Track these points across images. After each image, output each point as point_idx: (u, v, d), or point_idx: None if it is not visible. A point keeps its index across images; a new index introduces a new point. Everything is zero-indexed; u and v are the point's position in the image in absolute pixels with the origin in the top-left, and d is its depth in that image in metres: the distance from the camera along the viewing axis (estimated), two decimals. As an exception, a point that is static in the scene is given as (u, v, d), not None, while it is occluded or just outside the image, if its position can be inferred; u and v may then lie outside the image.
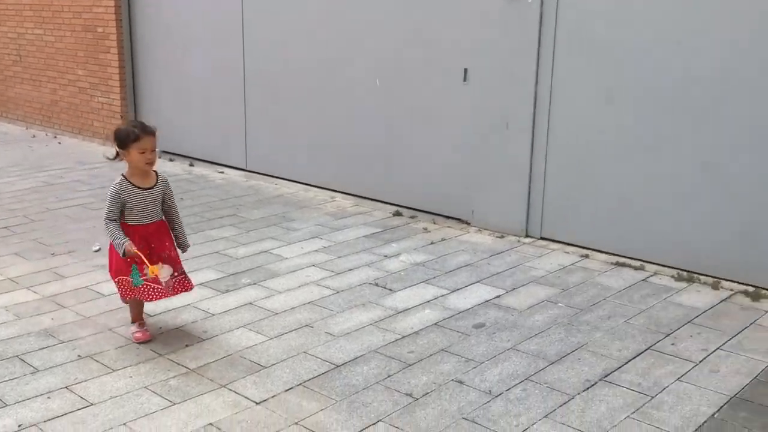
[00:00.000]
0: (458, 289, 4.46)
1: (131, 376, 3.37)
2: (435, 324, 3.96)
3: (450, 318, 4.04)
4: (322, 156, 6.79)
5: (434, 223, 5.83)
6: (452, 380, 3.35)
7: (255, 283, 4.53)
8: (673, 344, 3.73)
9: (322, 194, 6.64)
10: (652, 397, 3.21)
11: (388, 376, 3.39)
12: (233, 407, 3.12)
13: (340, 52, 6.48)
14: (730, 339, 3.79)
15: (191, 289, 3.77)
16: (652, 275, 4.71)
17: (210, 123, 7.78)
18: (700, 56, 4.51)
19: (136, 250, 3.46)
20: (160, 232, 3.67)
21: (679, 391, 3.26)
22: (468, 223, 5.77)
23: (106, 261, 4.83)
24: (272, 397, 3.20)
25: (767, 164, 4.33)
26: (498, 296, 4.36)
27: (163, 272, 3.59)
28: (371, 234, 5.55)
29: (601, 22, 4.90)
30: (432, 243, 5.34)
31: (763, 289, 4.40)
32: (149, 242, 3.59)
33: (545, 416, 3.06)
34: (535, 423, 3.00)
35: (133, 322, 3.76)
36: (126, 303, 3.76)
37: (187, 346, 3.65)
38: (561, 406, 3.14)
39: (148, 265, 3.48)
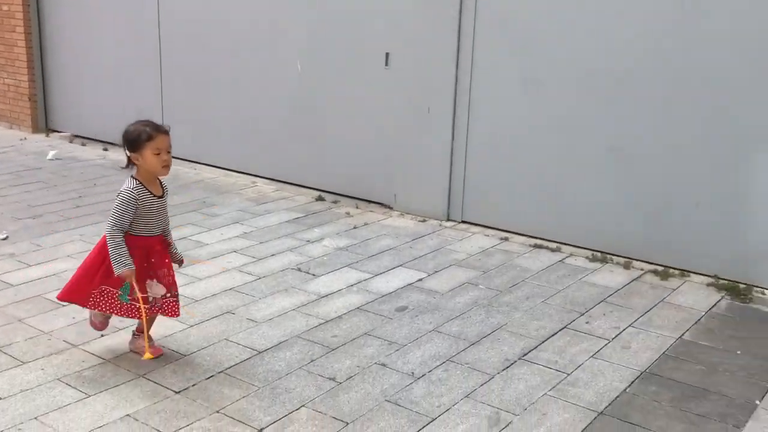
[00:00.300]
0: (381, 273, 4.47)
1: (43, 369, 3.23)
2: (358, 308, 3.97)
3: (373, 302, 4.05)
4: (244, 141, 6.68)
5: (357, 207, 5.83)
6: (375, 363, 3.37)
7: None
8: (587, 322, 3.86)
9: (244, 179, 6.53)
10: (568, 374, 3.31)
11: (311, 361, 3.37)
12: (152, 397, 3.04)
13: (261, 36, 6.37)
14: (640, 316, 3.95)
15: (177, 315, 3.28)
16: (568, 256, 4.86)
17: (124, 106, 7.51)
18: (611, 45, 4.65)
19: (135, 282, 3.09)
20: (162, 247, 3.24)
21: (594, 367, 3.38)
22: (390, 208, 5.79)
23: (12, 249, 4.65)
24: (193, 385, 3.14)
25: (670, 148, 4.52)
26: (420, 279, 4.40)
27: (154, 290, 3.19)
28: (293, 219, 5.50)
29: (520, 9, 4.99)
30: (355, 227, 5.34)
31: (671, 268, 4.60)
32: (149, 257, 3.17)
33: (466, 396, 3.11)
34: (456, 403, 3.05)
35: (138, 334, 3.36)
36: (92, 308, 3.25)
37: (102, 336, 3.53)
38: (481, 385, 3.20)
39: (139, 295, 3.11)
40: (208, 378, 3.20)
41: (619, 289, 4.32)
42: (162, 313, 3.28)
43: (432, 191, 5.57)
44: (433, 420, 2.93)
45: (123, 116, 7.66)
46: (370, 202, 5.92)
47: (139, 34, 7.24)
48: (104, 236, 3.13)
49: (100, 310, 3.25)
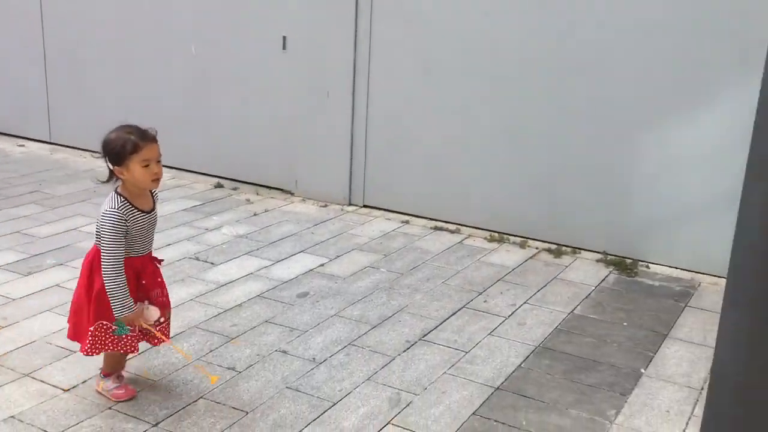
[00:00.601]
0: (282, 260, 4.43)
1: None
2: (259, 295, 3.91)
3: (274, 289, 4.00)
4: (137, 127, 6.42)
5: (257, 194, 5.74)
6: (276, 351, 3.33)
7: (62, 264, 4.21)
8: (485, 301, 3.95)
9: (138, 167, 6.29)
10: (467, 352, 3.38)
11: (210, 351, 3.30)
12: (38, 397, 2.89)
13: (153, 18, 6.13)
14: (535, 293, 4.08)
15: (168, 342, 2.96)
16: (467, 238, 4.96)
17: (4, 91, 7.08)
18: (505, 29, 4.75)
19: (147, 325, 2.75)
20: (154, 265, 2.87)
21: (491, 344, 3.47)
22: (292, 194, 5.73)
23: None
24: (82, 383, 3.01)
25: (561, 130, 4.68)
26: (322, 265, 4.38)
27: (150, 314, 2.78)
28: (191, 207, 5.35)
29: (415, -8, 5.02)
30: (255, 214, 5.26)
31: (564, 246, 4.78)
32: (140, 278, 2.78)
33: (368, 379, 3.13)
34: (357, 386, 3.06)
35: (106, 375, 2.90)
36: (91, 355, 2.81)
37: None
38: (383, 367, 3.23)
39: (146, 325, 2.77)
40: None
41: (515, 268, 4.44)
42: (150, 341, 2.94)
43: (333, 176, 5.54)
44: (335, 404, 2.93)
45: (3, 103, 7.22)
46: (270, 188, 5.84)
47: (21, 14, 6.82)
48: (88, 257, 2.77)
49: (97, 353, 2.77)
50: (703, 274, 4.34)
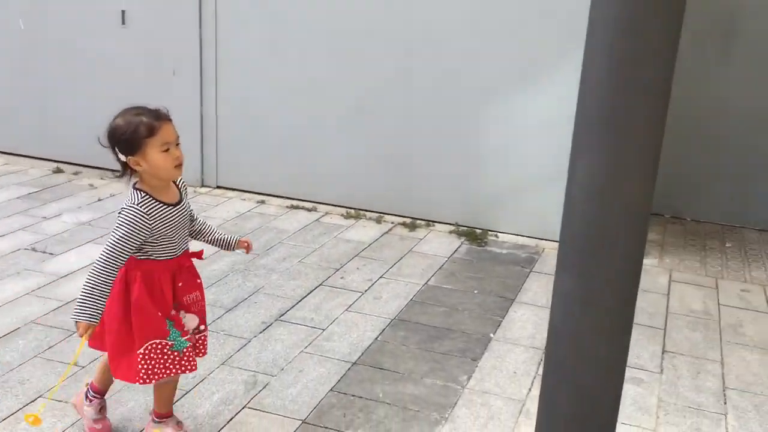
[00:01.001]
0: (130, 246, 4.22)
1: None
2: (104, 285, 3.71)
3: (121, 277, 3.81)
4: (-39, 109, 5.87)
5: (102, 179, 5.42)
6: (124, 342, 3.18)
7: None
8: (342, 278, 3.97)
9: (-35, 153, 5.78)
10: (324, 330, 3.39)
11: (49, 348, 3.09)
12: None
13: (-28, -12, 5.59)
14: (390, 267, 4.14)
15: (204, 354, 2.53)
16: (323, 215, 4.95)
17: None
18: (353, 5, 4.74)
19: (84, 339, 2.18)
20: (191, 264, 2.44)
21: (348, 320, 3.49)
22: (140, 177, 5.47)
23: None
24: None
25: (411, 106, 4.76)
26: (173, 249, 4.22)
27: (189, 323, 2.39)
28: (27, 194, 4.97)
29: (261, -34, 4.90)
30: (99, 200, 4.97)
31: (418, 219, 4.88)
32: (176, 280, 2.35)
33: (222, 363, 3.05)
34: (211, 372, 2.99)
35: (160, 419, 2.47)
36: (149, 383, 2.31)
37: None
38: (238, 351, 3.16)
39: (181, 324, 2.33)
40: None
41: (371, 243, 4.49)
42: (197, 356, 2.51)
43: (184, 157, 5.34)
44: (188, 392, 2.84)
45: None
46: (116, 172, 5.53)
47: None
48: (119, 278, 2.25)
49: (157, 378, 2.30)
50: (546, 240, 4.59)
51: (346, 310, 3.60)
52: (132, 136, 2.18)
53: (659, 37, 1.83)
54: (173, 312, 2.33)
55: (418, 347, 3.28)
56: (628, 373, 3.08)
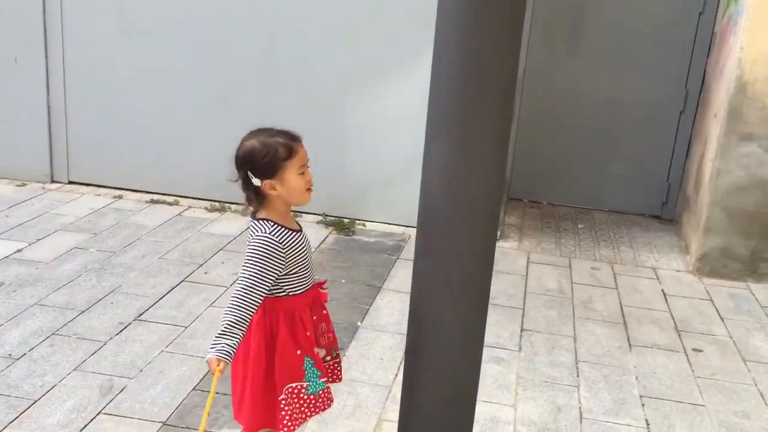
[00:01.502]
0: (-31, 249, 3.89)
1: None
2: (-61, 292, 3.40)
3: (-41, 282, 3.51)
4: None
5: (-64, 175, 4.97)
6: (-38, 352, 2.93)
7: None
8: (206, 273, 3.85)
9: None
10: (186, 327, 3.27)
11: None
12: None
13: None
14: (257, 260, 4.06)
15: (340, 380, 2.35)
16: (186, 209, 4.78)
17: None
18: (211, -9, 4.61)
19: (218, 373, 1.97)
20: (320, 296, 2.23)
21: (212, 316, 3.39)
22: (-19, 173, 5.06)
23: None
24: None
25: (272, 96, 4.68)
26: (19, 250, 3.93)
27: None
28: None
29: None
30: (-67, 199, 4.55)
31: (285, 211, 4.82)
32: (312, 314, 2.17)
33: (75, 369, 2.88)
34: (63, 378, 2.80)
35: None
36: (294, 430, 2.13)
37: None
38: (93, 354, 2.99)
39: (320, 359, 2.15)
40: None
41: (237, 236, 4.39)
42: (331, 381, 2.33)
43: (30, 152, 4.99)
44: (36, 401, 2.65)
45: None
46: None
47: None
48: (257, 323, 2.08)
49: (299, 424, 2.13)
50: (413, 227, 4.66)
51: (211, 305, 3.50)
52: (272, 159, 2.01)
53: (504, 28, 1.88)
54: (316, 349, 2.15)
55: (285, 340, 3.23)
56: (489, 352, 3.20)
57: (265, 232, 2.01)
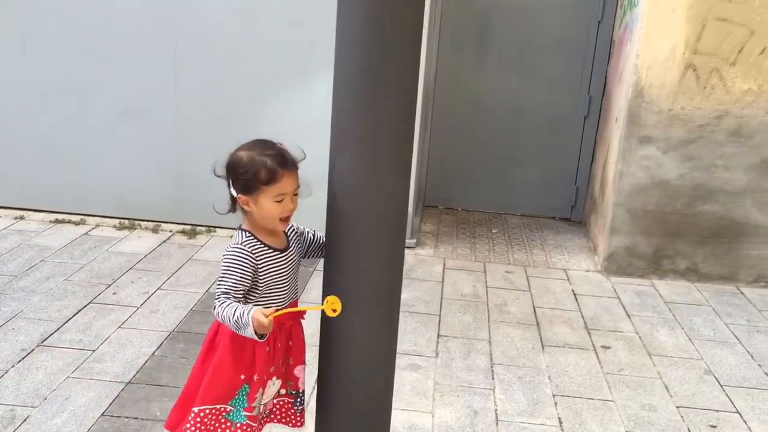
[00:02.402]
0: None
1: None
2: None
3: None
4: None
5: None
6: None
7: None
8: (114, 293, 3.72)
9: None
10: (94, 351, 3.15)
11: None
12: None
13: None
14: (169, 278, 3.96)
15: (298, 425, 2.24)
16: (93, 228, 4.62)
17: None
18: (111, 2, 4.47)
19: (272, 313, 1.89)
20: (298, 318, 2.16)
21: (121, 338, 3.28)
22: None
23: None
24: None
25: (183, 109, 4.59)
26: None
27: (271, 390, 2.12)
28: None
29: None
30: None
31: (198, 225, 4.72)
32: (288, 338, 2.11)
33: (-28, 401, 2.73)
34: (-41, 412, 2.65)
35: None
36: None
37: None
38: (-8, 384, 2.84)
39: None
40: None
41: (147, 254, 4.26)
42: (271, 421, 2.21)
43: None
44: (-72, 439, 2.50)
45: None
46: None
47: None
48: (209, 335, 2.06)
49: None
50: (329, 238, 4.65)
51: (119, 327, 3.38)
52: (251, 177, 1.94)
53: (403, 40, 1.90)
54: (256, 377, 2.04)
55: (199, 358, 3.16)
56: (407, 360, 3.22)
57: (238, 242, 1.98)
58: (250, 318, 1.87)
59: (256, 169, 1.94)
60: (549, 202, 5.53)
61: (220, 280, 1.96)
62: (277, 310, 1.97)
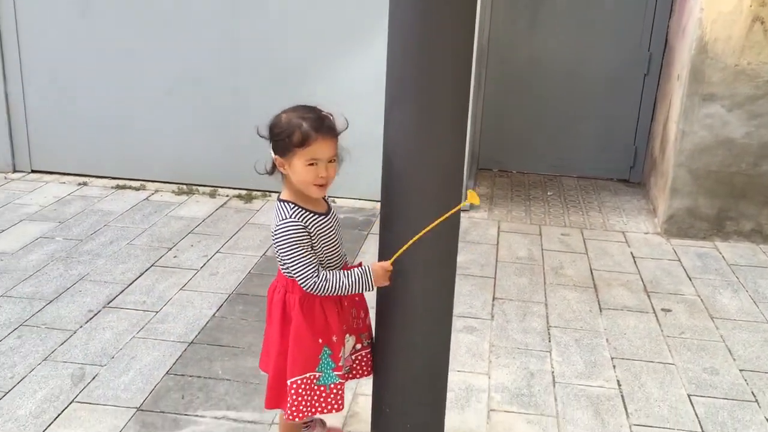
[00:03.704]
0: (-70, 243, 3.82)
1: None
2: None
3: None
4: None
5: None
6: (-72, 348, 2.88)
7: None
8: (175, 257, 3.81)
9: None
10: (157, 312, 3.24)
11: None
12: None
13: None
14: (227, 241, 4.04)
15: (370, 374, 2.26)
16: (153, 193, 4.72)
17: None
18: (167, -31, 4.51)
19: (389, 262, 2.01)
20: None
21: (183, 300, 3.36)
22: (-61, 166, 4.94)
23: None
24: None
25: (238, 74, 4.62)
26: (-17, 242, 3.87)
27: (348, 347, 2.17)
28: None
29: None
30: None
31: (254, 190, 4.78)
32: (341, 301, 2.10)
33: (45, 359, 2.84)
34: (33, 369, 2.77)
35: None
36: (296, 419, 2.09)
37: None
38: (62, 343, 2.95)
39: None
40: None
41: (205, 219, 4.35)
42: (356, 377, 2.26)
43: (-11, 141, 4.89)
44: (6, 393, 2.62)
45: None
46: None
47: None
48: (277, 300, 2.07)
49: (304, 416, 2.08)
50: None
51: (181, 289, 3.47)
52: (284, 139, 1.96)
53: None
54: (334, 338, 2.07)
55: (258, 320, 3.22)
56: (462, 322, 3.22)
57: (287, 217, 1.97)
58: (371, 273, 1.99)
59: (291, 131, 1.95)
60: (607, 164, 5.41)
61: (292, 260, 1.95)
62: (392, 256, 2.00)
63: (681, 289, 3.68)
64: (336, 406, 2.11)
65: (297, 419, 2.08)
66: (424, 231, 1.95)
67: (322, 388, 2.08)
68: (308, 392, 2.06)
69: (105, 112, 4.79)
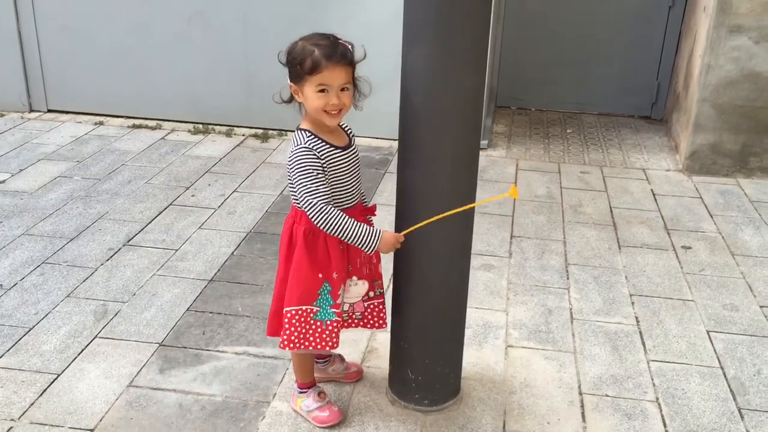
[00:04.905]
0: (-49, 183, 3.85)
1: None
2: (-76, 227, 3.37)
3: (-57, 217, 3.48)
4: None
5: None
6: (-47, 285, 2.93)
7: None
8: (193, 195, 3.82)
9: None
10: (176, 250, 3.26)
11: None
12: None
13: None
14: (244, 180, 4.03)
15: (385, 326, 2.26)
16: (169, 132, 4.71)
17: None
18: None
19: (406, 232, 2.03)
20: (364, 219, 2.16)
21: (202, 238, 3.38)
22: (-43, 106, 4.94)
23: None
24: None
25: (253, 12, 4.53)
26: (3, 181, 3.89)
27: (352, 292, 2.15)
28: None
29: None
30: None
31: (270, 129, 4.75)
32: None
33: (68, 296, 2.88)
34: (56, 306, 2.81)
35: (303, 388, 2.26)
36: (288, 349, 2.11)
37: None
38: (84, 281, 2.99)
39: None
40: None
41: (222, 158, 4.33)
42: (367, 326, 2.25)
43: (5, 81, 4.86)
44: (31, 329, 2.67)
45: None
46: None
47: None
48: (286, 231, 2.10)
49: (295, 347, 2.08)
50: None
51: (199, 228, 3.48)
52: (296, 65, 1.94)
53: None
54: (335, 275, 2.05)
55: (275, 257, 3.23)
56: (480, 260, 3.21)
57: (300, 143, 1.97)
58: (372, 246, 1.96)
59: (303, 57, 1.92)
60: (628, 100, 5.30)
61: (301, 185, 1.93)
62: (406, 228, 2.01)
63: (702, 226, 3.64)
64: (330, 344, 2.09)
65: (288, 349, 2.09)
66: (445, 214, 1.95)
67: (318, 323, 2.08)
68: (303, 324, 2.07)
69: (120, 51, 4.74)
